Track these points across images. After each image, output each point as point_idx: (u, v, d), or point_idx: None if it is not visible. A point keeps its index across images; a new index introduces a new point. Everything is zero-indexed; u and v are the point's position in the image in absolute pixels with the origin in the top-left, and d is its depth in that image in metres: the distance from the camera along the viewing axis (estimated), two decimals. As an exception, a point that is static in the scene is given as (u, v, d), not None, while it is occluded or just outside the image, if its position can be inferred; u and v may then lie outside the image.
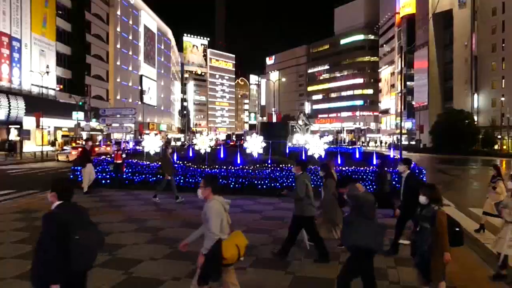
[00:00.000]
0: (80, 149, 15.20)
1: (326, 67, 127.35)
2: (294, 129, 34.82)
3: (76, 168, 15.66)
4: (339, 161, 17.73)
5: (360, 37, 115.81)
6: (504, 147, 58.48)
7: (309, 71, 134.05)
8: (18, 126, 40.32)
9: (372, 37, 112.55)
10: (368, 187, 13.81)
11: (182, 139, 73.97)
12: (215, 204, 4.27)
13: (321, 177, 7.85)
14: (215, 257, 4.14)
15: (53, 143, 46.94)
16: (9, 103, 38.66)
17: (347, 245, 5.02)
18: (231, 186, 14.40)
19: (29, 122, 40.14)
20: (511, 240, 6.06)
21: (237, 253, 4.24)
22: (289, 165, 14.85)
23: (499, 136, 58.66)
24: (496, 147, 58.83)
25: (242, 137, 57.95)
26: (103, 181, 15.55)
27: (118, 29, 70.12)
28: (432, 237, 4.64)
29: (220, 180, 14.69)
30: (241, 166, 15.31)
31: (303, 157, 17.94)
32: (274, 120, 78.90)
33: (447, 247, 4.62)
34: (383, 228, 4.99)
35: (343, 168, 14.67)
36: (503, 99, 59.75)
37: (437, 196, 4.83)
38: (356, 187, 5.10)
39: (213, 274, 4.22)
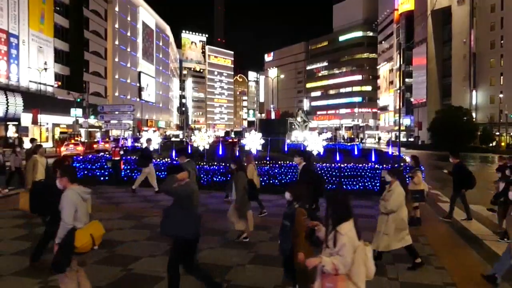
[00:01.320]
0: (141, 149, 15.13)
1: (325, 64, 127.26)
2: (293, 126, 34.82)
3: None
4: (337, 158, 17.71)
5: (359, 33, 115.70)
6: (502, 143, 58.60)
7: (308, 68, 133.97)
8: (16, 123, 40.23)
9: (371, 33, 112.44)
10: (366, 184, 13.85)
11: (181, 136, 73.78)
12: (70, 194, 4.39)
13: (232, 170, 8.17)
14: (66, 245, 4.24)
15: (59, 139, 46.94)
16: (7, 99, 38.52)
17: (165, 234, 5.19)
18: (230, 183, 14.38)
19: (27, 119, 40.06)
20: (385, 233, 6.30)
21: (90, 242, 4.35)
22: (288, 162, 14.86)
23: (497, 133, 58.77)
24: (494, 143, 58.95)
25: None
26: (102, 178, 15.54)
27: (116, 26, 69.93)
28: (291, 235, 4.48)
29: (219, 177, 14.67)
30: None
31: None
32: (273, 117, 78.79)
33: (301, 247, 4.36)
34: (199, 219, 5.13)
35: (342, 165, 14.68)
36: (501, 95, 59.81)
37: (299, 193, 4.73)
38: (176, 178, 5.17)
39: (63, 262, 4.28)
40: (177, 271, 5.03)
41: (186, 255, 5.07)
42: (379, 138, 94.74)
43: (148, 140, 15.07)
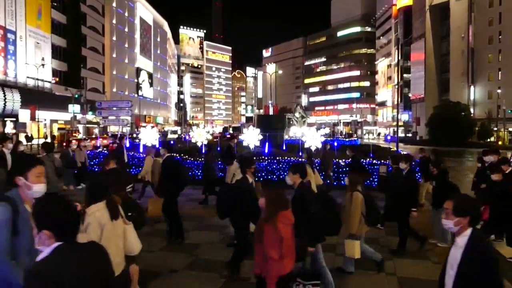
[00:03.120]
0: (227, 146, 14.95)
1: (323, 59, 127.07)
2: (291, 122, 34.74)
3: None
4: (335, 154, 17.74)
5: (357, 29, 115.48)
6: (500, 139, 58.69)
7: (306, 63, 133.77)
8: (14, 119, 40.15)
9: (369, 29, 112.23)
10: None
11: (179, 132, 73.72)
12: None
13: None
14: None
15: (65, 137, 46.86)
16: (4, 96, 38.42)
17: None
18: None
19: (25, 115, 39.97)
20: None
21: None
22: (286, 158, 14.88)
23: (495, 128, 58.85)
24: (492, 139, 59.04)
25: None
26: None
27: (114, 21, 69.66)
28: None
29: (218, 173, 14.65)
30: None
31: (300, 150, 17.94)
32: (271, 112, 78.69)
33: None
34: None
35: (340, 161, 14.71)
36: (499, 91, 59.87)
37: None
38: None
39: None
40: None
41: None
42: (379, 134, 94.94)
43: (230, 138, 14.97)
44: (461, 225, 2.79)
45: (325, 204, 5.06)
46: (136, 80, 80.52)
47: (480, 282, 2.63)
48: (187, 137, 28.99)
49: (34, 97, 40.08)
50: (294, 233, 3.78)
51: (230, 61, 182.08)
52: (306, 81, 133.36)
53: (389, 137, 39.18)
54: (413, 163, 10.45)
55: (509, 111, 55.32)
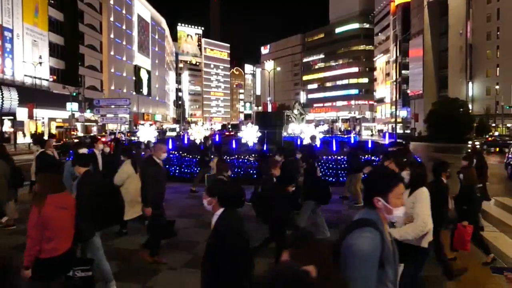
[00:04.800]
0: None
1: (321, 56, 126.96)
2: (289, 119, 34.70)
3: None
4: (334, 150, 17.73)
5: (355, 25, 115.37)
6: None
7: (304, 60, 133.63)
8: (12, 118, 40.03)
9: (367, 25, 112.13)
10: (363, 176, 13.85)
11: (177, 129, 73.67)
12: None
13: None
14: None
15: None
16: (2, 94, 38.29)
17: None
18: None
19: (23, 113, 39.87)
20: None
21: None
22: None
23: (493, 124, 58.90)
24: (490, 135, 59.07)
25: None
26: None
27: (112, 19, 69.42)
28: None
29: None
30: (236, 156, 15.28)
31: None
32: (270, 109, 78.71)
33: None
34: None
35: (338, 157, 14.70)
36: (497, 87, 59.88)
37: None
38: None
39: None
40: None
41: None
42: (380, 130, 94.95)
43: (313, 138, 14.91)
44: (212, 205, 3.23)
45: (110, 193, 5.26)
46: (134, 78, 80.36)
47: (215, 254, 3.03)
48: (185, 135, 28.93)
49: (31, 95, 39.93)
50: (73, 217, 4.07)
51: (229, 58, 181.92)
52: (305, 78, 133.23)
53: (386, 134, 39.13)
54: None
55: (507, 107, 55.39)
